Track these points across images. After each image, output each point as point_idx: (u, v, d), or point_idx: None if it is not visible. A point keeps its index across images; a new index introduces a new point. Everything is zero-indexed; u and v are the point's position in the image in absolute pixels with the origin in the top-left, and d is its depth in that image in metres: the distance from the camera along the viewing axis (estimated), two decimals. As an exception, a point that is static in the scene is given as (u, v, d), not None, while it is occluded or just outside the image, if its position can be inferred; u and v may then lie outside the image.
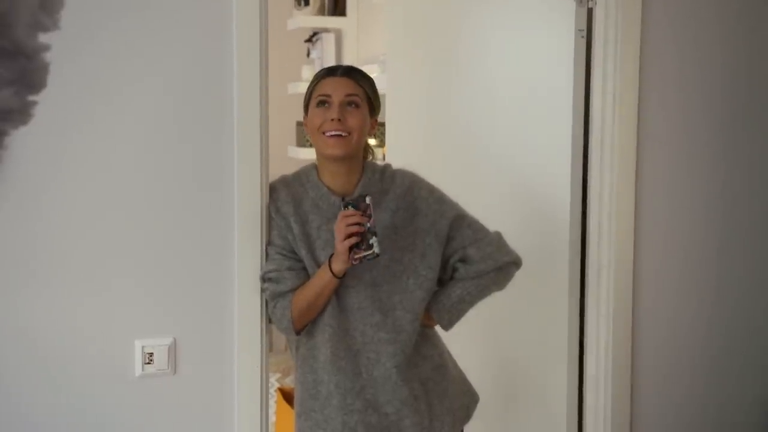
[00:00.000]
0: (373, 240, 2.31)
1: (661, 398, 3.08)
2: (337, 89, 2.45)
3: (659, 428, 3.09)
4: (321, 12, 5.48)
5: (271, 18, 2.70)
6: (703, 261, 3.10)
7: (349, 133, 2.44)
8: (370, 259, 2.30)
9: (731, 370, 3.15)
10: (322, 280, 2.41)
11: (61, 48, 0.83)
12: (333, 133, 2.42)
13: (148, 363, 2.52)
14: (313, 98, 2.49)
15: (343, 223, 2.30)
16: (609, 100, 2.92)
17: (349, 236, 2.29)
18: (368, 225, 2.33)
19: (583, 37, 2.94)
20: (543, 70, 3.11)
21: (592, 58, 2.95)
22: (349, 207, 2.34)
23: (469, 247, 2.57)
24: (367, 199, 2.33)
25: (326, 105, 2.44)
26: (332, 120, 2.40)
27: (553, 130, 3.07)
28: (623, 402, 3.00)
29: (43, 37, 0.77)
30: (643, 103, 2.95)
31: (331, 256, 2.41)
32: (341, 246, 2.32)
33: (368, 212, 2.34)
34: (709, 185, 3.08)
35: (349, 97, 2.45)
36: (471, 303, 2.63)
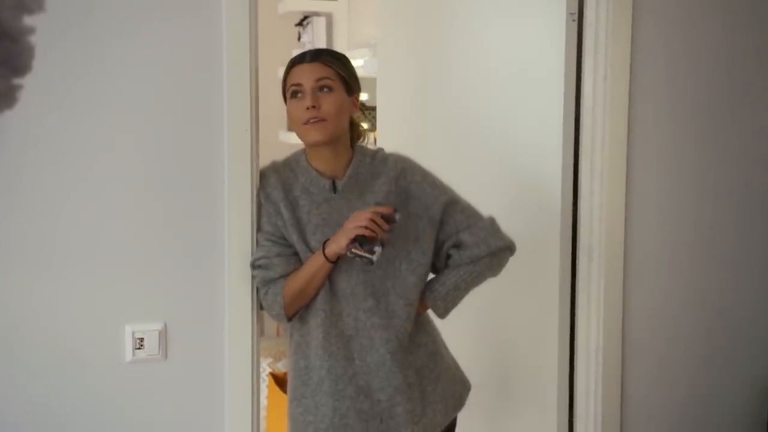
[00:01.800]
0: (377, 249, 2.29)
1: (651, 377, 3.10)
2: (307, 77, 2.42)
3: (650, 407, 3.08)
4: None
5: (262, 1, 2.66)
6: (693, 245, 3.10)
7: (326, 118, 2.41)
8: (363, 262, 2.28)
9: (720, 349, 3.16)
10: (315, 263, 2.38)
11: (47, 30, 0.86)
12: (311, 120, 2.39)
13: (139, 348, 2.50)
14: (287, 89, 2.47)
15: (367, 216, 2.28)
16: (600, 84, 2.91)
17: (363, 228, 2.27)
18: (384, 235, 2.33)
19: (574, 20, 2.92)
20: (534, 53, 3.10)
21: (583, 41, 2.93)
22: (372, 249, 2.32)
23: (463, 233, 2.53)
24: (397, 216, 2.32)
25: (299, 95, 2.42)
26: (307, 108, 2.38)
27: (544, 114, 3.05)
28: (614, 381, 3.01)
29: (28, 20, 0.77)
30: (634, 86, 2.94)
31: (326, 241, 2.37)
32: (348, 230, 2.30)
33: (392, 226, 2.33)
34: (699, 169, 3.08)
35: (320, 81, 2.41)
36: (466, 290, 2.60)
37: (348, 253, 2.28)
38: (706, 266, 3.13)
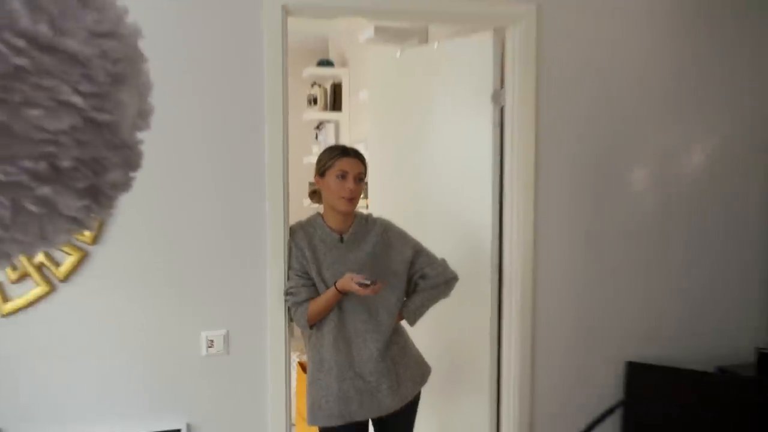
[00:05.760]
0: (368, 280, 2.50)
1: (551, 362, 3.19)
2: (352, 167, 2.61)
3: (550, 381, 3.19)
4: (324, 109, 5.66)
5: (291, 113, 2.85)
6: (581, 272, 3.21)
7: (355, 198, 2.63)
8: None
9: (593, 339, 3.26)
10: (330, 293, 2.59)
11: (151, 140, 0.84)
12: (347, 197, 2.60)
13: (210, 347, 2.73)
14: (335, 169, 2.60)
15: (358, 282, 2.48)
16: (515, 167, 3.09)
17: (355, 286, 2.49)
18: (368, 282, 2.49)
19: (498, 126, 3.15)
20: (473, 147, 3.24)
21: (504, 139, 3.13)
22: (368, 281, 2.49)
23: (426, 268, 2.75)
24: (370, 282, 2.48)
25: (344, 178, 2.60)
26: (349, 189, 2.59)
27: (480, 187, 3.22)
28: (527, 366, 3.14)
29: (139, 135, 0.78)
30: (538, 170, 3.08)
31: (336, 281, 2.58)
32: (351, 285, 2.51)
33: (370, 283, 2.47)
34: (582, 220, 3.19)
35: (359, 174, 2.63)
36: (428, 306, 2.79)
37: (352, 284, 2.50)
38: (590, 286, 3.23)
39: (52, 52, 0.63)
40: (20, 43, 0.59)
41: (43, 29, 0.61)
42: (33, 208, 0.66)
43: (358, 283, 2.49)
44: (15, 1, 0.60)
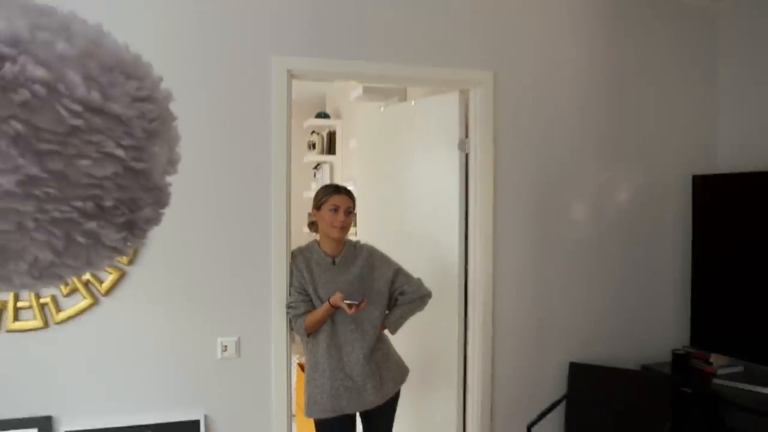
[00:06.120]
0: (356, 300, 2.52)
1: (508, 362, 3.18)
2: (343, 202, 2.63)
3: (507, 380, 3.17)
4: (322, 152, 5.63)
5: (293, 156, 2.88)
6: (529, 286, 3.20)
7: (345, 227, 2.65)
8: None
9: (542, 342, 3.25)
10: (324, 308, 2.60)
11: (177, 183, 0.82)
12: (339, 227, 2.62)
13: (224, 351, 2.73)
14: (328, 204, 2.61)
15: (346, 303, 2.50)
16: (478, 201, 3.10)
17: (344, 304, 2.51)
18: (356, 301, 2.51)
19: (463, 168, 3.16)
20: (443, 185, 3.24)
21: (468, 179, 3.15)
22: (354, 301, 2.50)
23: (404, 286, 2.76)
24: (359, 299, 2.50)
25: (336, 211, 2.62)
26: (340, 220, 2.61)
27: (449, 218, 3.21)
28: (488, 367, 3.12)
29: (168, 178, 0.78)
30: (496, 203, 3.11)
31: (329, 298, 2.58)
32: (340, 303, 2.53)
33: (357, 302, 2.49)
34: (533, 243, 3.21)
35: (349, 208, 2.65)
36: (406, 318, 2.79)
37: (342, 303, 2.54)
38: (539, 298, 3.22)
39: (101, 114, 0.64)
40: (77, 107, 0.61)
41: (95, 96, 0.63)
42: (81, 239, 0.67)
43: (346, 303, 2.50)
44: (74, 73, 0.61)
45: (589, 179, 3.33)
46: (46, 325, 2.56)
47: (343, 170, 5.47)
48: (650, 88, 3.43)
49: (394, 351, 2.85)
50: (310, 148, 5.85)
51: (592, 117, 3.32)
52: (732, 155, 3.48)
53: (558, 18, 3.24)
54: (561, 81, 3.25)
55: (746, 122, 3.41)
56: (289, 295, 2.72)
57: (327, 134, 5.76)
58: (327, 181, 5.53)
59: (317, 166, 5.93)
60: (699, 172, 3.46)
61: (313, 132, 5.88)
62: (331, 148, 5.70)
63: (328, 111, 5.93)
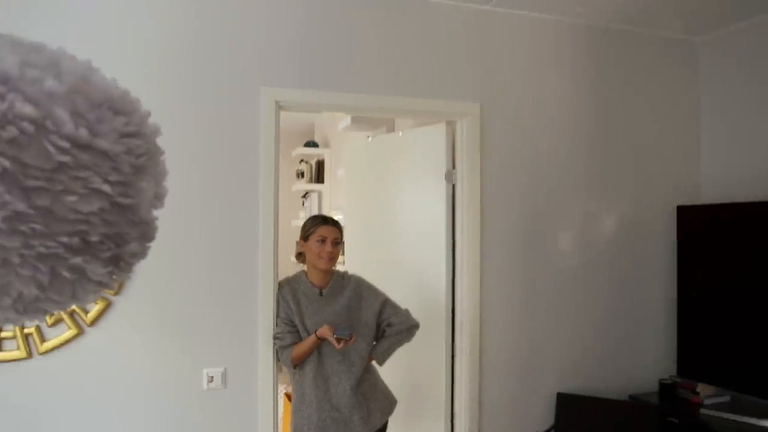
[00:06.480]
0: (344, 334, 2.51)
1: (495, 390, 3.17)
2: (330, 233, 2.63)
3: (495, 409, 3.16)
4: (310, 181, 5.67)
5: (282, 184, 2.89)
6: (516, 316, 3.20)
7: (333, 258, 2.65)
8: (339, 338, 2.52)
9: (529, 373, 3.24)
10: (311, 340, 2.59)
11: (164, 216, 0.83)
12: (326, 258, 2.62)
13: (210, 382, 2.70)
14: (316, 235, 2.61)
15: (335, 337, 2.49)
16: (464, 231, 3.11)
17: (332, 338, 2.50)
18: (346, 336, 2.51)
19: (450, 198, 3.18)
20: (430, 216, 3.26)
21: (455, 209, 3.16)
22: (344, 336, 2.49)
23: (392, 317, 2.74)
24: (347, 334, 2.50)
25: (323, 242, 2.61)
26: (328, 251, 2.61)
27: (436, 248, 3.22)
28: (474, 396, 3.12)
29: (155, 212, 0.78)
30: (483, 233, 3.12)
31: (316, 329, 2.57)
32: (328, 335, 2.52)
33: (347, 336, 2.48)
34: (519, 274, 3.19)
35: (336, 239, 2.64)
36: (394, 349, 2.77)
37: (330, 337, 2.52)
38: (526, 329, 3.22)
39: (89, 150, 0.64)
40: (64, 144, 0.61)
41: (83, 133, 0.63)
42: (67, 274, 0.67)
43: (335, 338, 2.50)
44: (62, 110, 0.61)
45: (575, 210, 3.34)
46: (29, 355, 2.54)
47: (332, 199, 5.48)
48: (634, 120, 3.48)
49: (382, 382, 2.84)
50: (298, 176, 5.86)
51: (578, 148, 3.35)
52: (715, 186, 3.52)
53: (543, 51, 3.29)
54: (547, 113, 3.29)
55: (729, 154, 3.46)
56: (276, 325, 2.71)
57: (315, 163, 5.78)
58: (315, 210, 5.55)
59: (306, 195, 5.95)
60: (683, 202, 3.50)
61: (301, 161, 5.89)
62: (319, 176, 5.72)
63: (317, 140, 5.96)
